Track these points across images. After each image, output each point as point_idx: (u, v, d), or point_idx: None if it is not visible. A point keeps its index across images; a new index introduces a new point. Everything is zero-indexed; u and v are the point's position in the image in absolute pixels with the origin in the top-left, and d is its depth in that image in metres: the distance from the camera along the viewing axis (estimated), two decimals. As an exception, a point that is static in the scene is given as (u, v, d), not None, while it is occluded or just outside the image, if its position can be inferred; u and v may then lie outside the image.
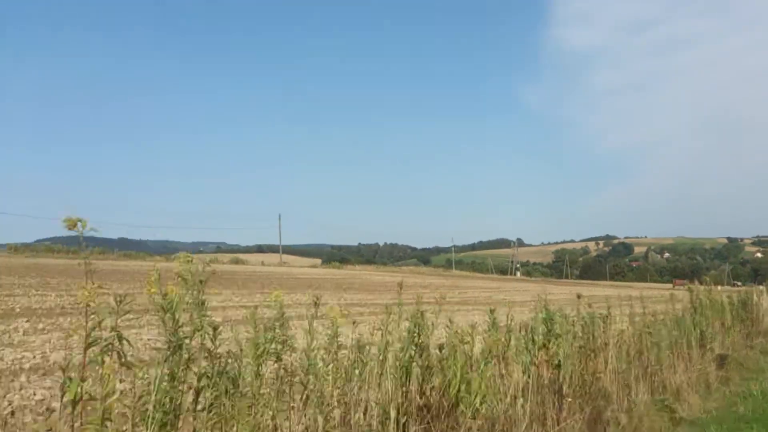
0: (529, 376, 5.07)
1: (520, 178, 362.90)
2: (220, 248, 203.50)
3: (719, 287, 18.40)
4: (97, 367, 2.52)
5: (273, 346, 3.37)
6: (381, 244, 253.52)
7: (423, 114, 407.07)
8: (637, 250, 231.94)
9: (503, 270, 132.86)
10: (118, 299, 2.62)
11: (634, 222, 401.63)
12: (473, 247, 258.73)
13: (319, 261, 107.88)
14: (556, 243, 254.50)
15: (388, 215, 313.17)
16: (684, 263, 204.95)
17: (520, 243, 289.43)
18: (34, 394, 5.87)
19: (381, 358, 4.14)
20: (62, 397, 2.50)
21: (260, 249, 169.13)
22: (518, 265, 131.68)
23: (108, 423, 2.49)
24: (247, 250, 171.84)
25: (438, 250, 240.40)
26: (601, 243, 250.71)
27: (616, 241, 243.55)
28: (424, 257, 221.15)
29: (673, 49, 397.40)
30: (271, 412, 3.32)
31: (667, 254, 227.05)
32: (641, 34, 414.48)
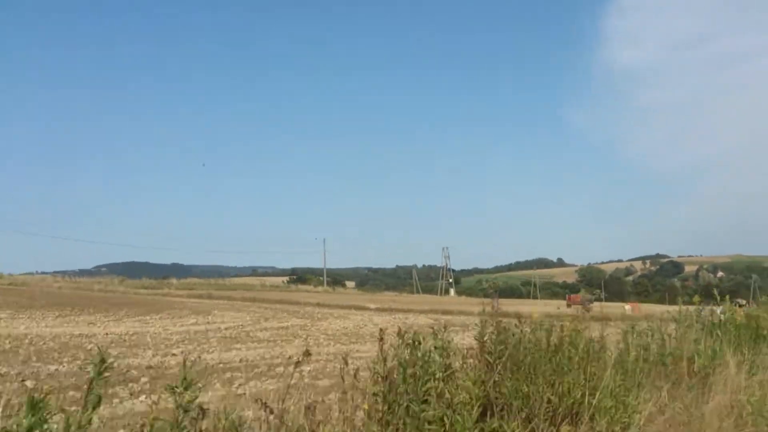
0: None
1: (565, 199, 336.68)
2: (256, 271, 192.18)
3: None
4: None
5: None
6: (420, 266, 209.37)
7: (466, 132, 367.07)
8: (689, 269, 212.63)
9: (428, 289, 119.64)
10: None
11: (689, 241, 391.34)
12: (509, 267, 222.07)
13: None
14: (602, 263, 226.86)
15: (424, 235, 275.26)
16: (739, 282, 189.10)
17: (560, 262, 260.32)
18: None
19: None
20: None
21: (294, 272, 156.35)
22: (451, 281, 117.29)
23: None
24: (283, 273, 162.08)
25: (476, 271, 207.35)
26: (648, 262, 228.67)
27: (664, 260, 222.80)
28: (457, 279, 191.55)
29: (726, 66, 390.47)
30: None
31: (720, 273, 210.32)
32: (692, 50, 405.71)
